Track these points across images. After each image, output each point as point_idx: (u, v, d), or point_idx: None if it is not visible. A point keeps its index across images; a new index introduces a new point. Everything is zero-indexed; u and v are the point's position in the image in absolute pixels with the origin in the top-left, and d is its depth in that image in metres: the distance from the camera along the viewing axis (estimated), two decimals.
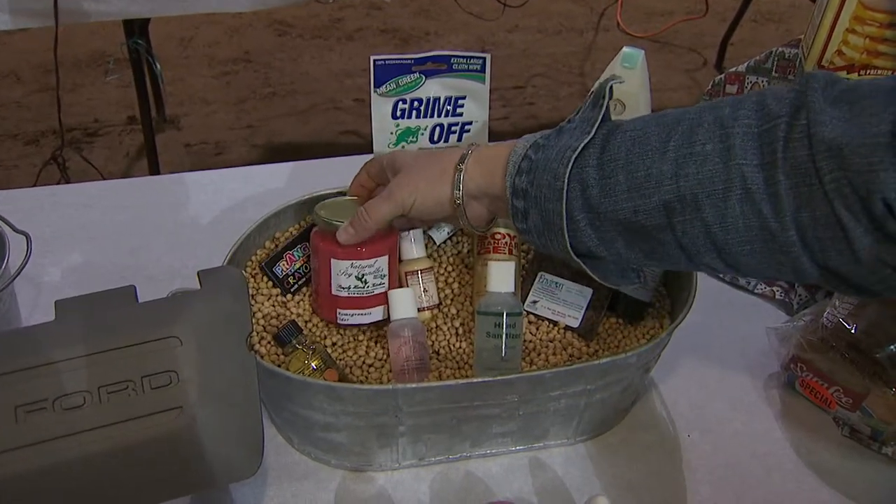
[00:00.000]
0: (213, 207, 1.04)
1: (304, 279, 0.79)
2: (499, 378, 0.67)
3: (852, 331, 0.78)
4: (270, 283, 0.79)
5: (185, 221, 1.02)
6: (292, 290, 0.78)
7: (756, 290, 0.96)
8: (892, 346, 0.76)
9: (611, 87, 0.63)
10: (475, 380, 0.67)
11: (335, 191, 0.82)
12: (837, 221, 0.51)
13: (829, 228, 0.52)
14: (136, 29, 1.88)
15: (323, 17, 2.99)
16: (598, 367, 0.69)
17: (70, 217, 1.00)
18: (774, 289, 0.95)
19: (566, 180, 0.59)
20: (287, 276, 0.78)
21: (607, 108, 0.62)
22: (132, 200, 1.04)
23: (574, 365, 0.69)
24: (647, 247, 0.60)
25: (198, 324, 0.65)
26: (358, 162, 0.78)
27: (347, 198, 0.80)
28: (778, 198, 0.53)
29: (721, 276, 0.98)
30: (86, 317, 0.63)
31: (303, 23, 2.96)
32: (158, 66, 1.90)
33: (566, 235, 0.60)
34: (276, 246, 0.81)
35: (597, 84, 0.65)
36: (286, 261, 0.77)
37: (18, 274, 0.75)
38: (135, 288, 0.66)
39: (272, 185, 1.09)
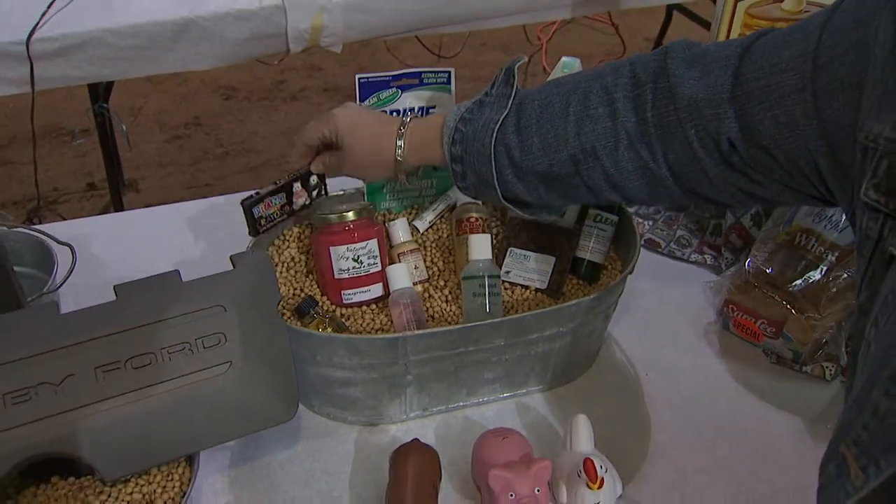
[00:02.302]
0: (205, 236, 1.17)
1: (273, 224, 0.90)
2: (488, 321, 0.82)
3: (769, 271, 0.95)
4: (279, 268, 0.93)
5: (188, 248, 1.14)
6: (262, 230, 0.90)
7: (691, 259, 1.12)
8: (800, 281, 0.93)
9: (517, 66, 0.80)
10: (469, 324, 0.81)
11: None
12: (696, 158, 0.69)
13: (689, 164, 0.70)
14: (101, 94, 2.00)
15: (266, 81, 3.15)
16: (567, 310, 0.84)
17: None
18: (706, 256, 1.12)
19: (492, 147, 0.76)
20: (261, 217, 0.89)
21: (516, 84, 0.79)
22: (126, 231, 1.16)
23: (548, 307, 0.84)
24: (562, 190, 0.78)
25: (236, 295, 0.78)
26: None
27: (333, 196, 0.95)
28: (652, 145, 0.71)
29: (661, 213, 1.15)
30: (143, 295, 0.76)
31: (248, 86, 3.12)
32: (125, 127, 2.02)
33: (497, 188, 0.78)
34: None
35: (507, 64, 0.82)
36: (264, 205, 0.89)
37: (65, 281, 0.87)
38: (178, 271, 0.78)
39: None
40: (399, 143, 0.83)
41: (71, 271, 0.87)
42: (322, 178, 0.93)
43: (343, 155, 0.87)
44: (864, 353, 0.55)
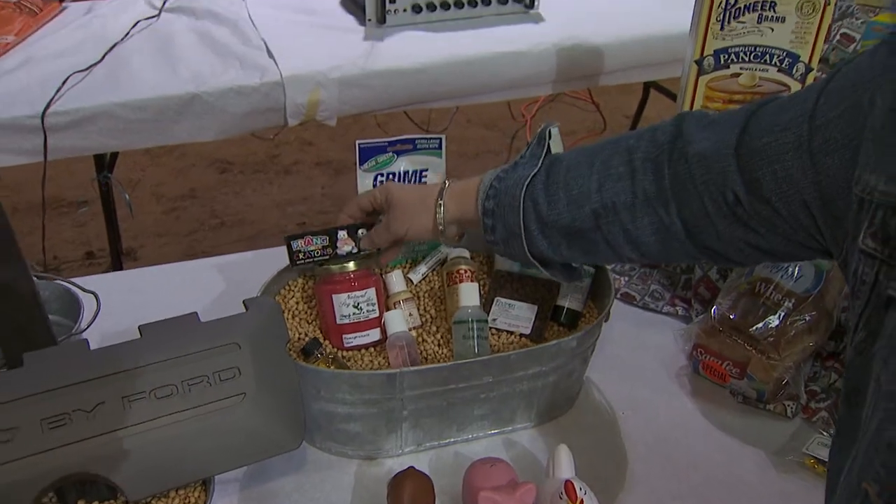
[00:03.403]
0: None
1: (311, 261, 1.00)
2: (477, 359, 0.90)
3: (732, 317, 1.04)
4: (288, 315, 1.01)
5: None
6: (297, 263, 0.99)
7: (663, 311, 1.21)
8: (760, 325, 1.02)
9: (550, 130, 0.89)
10: (460, 362, 0.89)
11: None
12: (706, 212, 0.76)
13: (701, 219, 0.77)
14: (106, 165, 2.10)
15: (261, 154, 3.27)
16: (548, 349, 0.93)
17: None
18: (677, 308, 1.21)
19: (521, 200, 0.84)
20: (299, 251, 0.98)
21: (549, 145, 0.88)
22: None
23: (531, 347, 0.92)
24: (583, 246, 0.84)
25: (250, 334, 0.86)
26: None
27: None
28: (667, 202, 0.78)
29: (636, 269, 1.24)
30: (165, 333, 0.84)
31: (242, 160, 3.24)
32: (128, 196, 2.11)
33: (524, 242, 0.85)
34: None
35: (541, 128, 0.92)
36: (304, 241, 0.98)
37: (90, 325, 0.95)
38: (197, 313, 0.87)
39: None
40: (440, 201, 0.91)
41: (96, 315, 0.95)
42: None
43: (390, 216, 0.95)
44: (873, 391, 0.60)
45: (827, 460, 0.92)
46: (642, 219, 0.80)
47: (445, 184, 0.93)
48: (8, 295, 0.82)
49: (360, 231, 1.00)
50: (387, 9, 2.13)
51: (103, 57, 1.90)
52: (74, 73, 1.81)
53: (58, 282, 0.99)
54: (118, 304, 1.05)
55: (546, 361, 0.94)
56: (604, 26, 2.19)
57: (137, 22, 2.08)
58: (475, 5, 2.22)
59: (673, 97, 3.05)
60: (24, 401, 0.76)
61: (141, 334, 0.84)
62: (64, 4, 2.21)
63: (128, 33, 2.03)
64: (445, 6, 2.19)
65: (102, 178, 2.10)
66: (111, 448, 0.77)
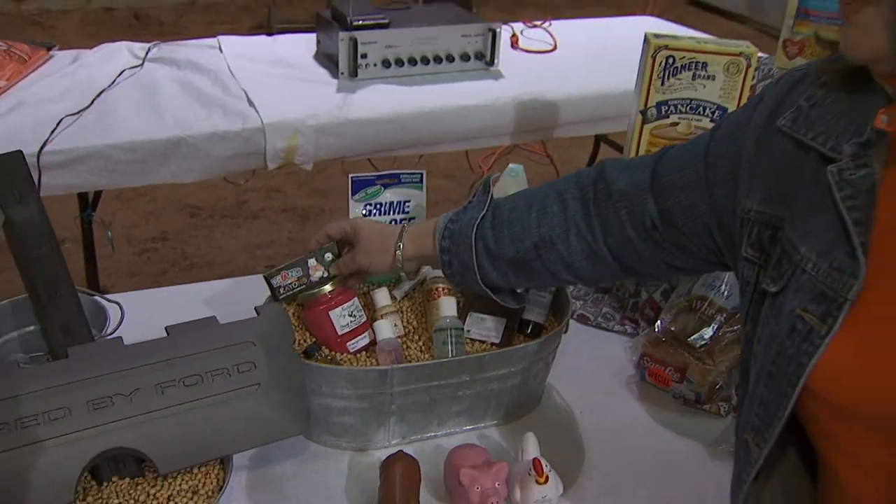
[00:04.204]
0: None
1: (291, 293, 1.12)
2: (456, 358, 1.05)
3: (673, 329, 1.20)
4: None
5: None
6: (280, 298, 1.12)
7: (615, 329, 1.37)
8: (697, 336, 1.18)
9: (490, 180, 1.07)
10: (441, 360, 1.04)
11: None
12: (629, 238, 0.93)
13: (624, 243, 0.94)
14: (89, 203, 2.22)
15: (229, 200, 3.40)
16: (517, 352, 1.08)
17: None
18: (626, 327, 1.37)
19: (473, 239, 1.00)
20: (280, 286, 1.12)
21: (491, 192, 1.04)
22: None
23: (502, 349, 1.07)
24: (527, 274, 1.01)
25: (262, 334, 1.00)
26: None
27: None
28: (594, 231, 0.95)
29: (590, 294, 1.40)
30: (190, 332, 0.97)
31: (212, 205, 3.36)
32: (110, 233, 2.22)
33: (477, 274, 1.01)
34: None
35: (483, 179, 1.08)
36: (281, 276, 1.12)
37: (116, 330, 1.07)
38: (215, 317, 1.00)
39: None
40: (399, 243, 1.06)
41: (120, 323, 1.08)
42: (336, 256, 1.14)
43: (356, 251, 1.09)
44: (752, 364, 0.78)
45: None
46: (575, 247, 0.96)
47: (404, 226, 1.08)
48: (55, 297, 0.94)
49: (326, 255, 1.13)
50: (358, 63, 2.30)
51: (92, 102, 2.03)
52: (66, 116, 1.94)
53: (85, 294, 1.11)
54: (138, 315, 1.17)
55: (514, 363, 1.09)
56: (558, 83, 2.39)
57: (123, 71, 2.22)
58: (440, 62, 2.40)
59: (621, 149, 3.28)
60: (73, 385, 0.88)
61: (168, 333, 0.97)
62: (51, 53, 2.34)
63: (114, 81, 2.16)
64: (413, 62, 2.37)
65: (86, 217, 2.21)
66: (146, 427, 0.89)
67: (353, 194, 1.21)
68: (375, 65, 2.33)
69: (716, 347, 1.18)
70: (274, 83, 2.26)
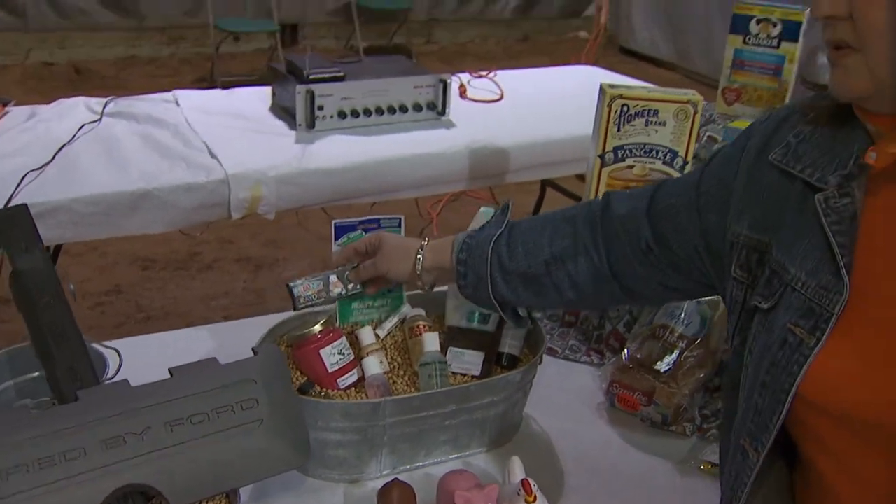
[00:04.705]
0: None
1: (310, 304, 1.20)
2: (443, 389, 1.11)
3: (639, 356, 1.29)
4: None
5: None
6: (299, 307, 1.19)
7: (581, 360, 1.46)
8: (659, 362, 1.27)
9: (509, 204, 1.16)
10: (429, 391, 1.10)
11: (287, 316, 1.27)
12: (628, 258, 1.02)
13: (625, 263, 1.03)
14: (51, 255, 2.23)
15: (182, 252, 3.41)
16: (497, 382, 1.15)
17: None
18: (592, 357, 1.46)
19: (489, 253, 1.08)
20: (301, 296, 1.19)
21: (510, 214, 1.13)
22: None
23: (485, 380, 1.14)
24: (535, 289, 1.09)
25: (262, 373, 1.05)
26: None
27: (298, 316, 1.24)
28: (599, 252, 1.04)
29: (556, 329, 1.48)
30: (193, 373, 1.02)
31: (165, 258, 3.37)
32: (72, 286, 2.22)
33: (490, 287, 1.09)
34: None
35: (503, 202, 1.17)
36: (303, 287, 1.19)
37: (115, 374, 1.11)
38: (216, 358, 1.05)
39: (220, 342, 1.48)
40: (420, 253, 1.15)
41: (120, 367, 1.11)
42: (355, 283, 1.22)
43: (377, 258, 1.17)
44: (743, 375, 0.85)
45: (717, 463, 1.17)
46: (582, 267, 1.05)
47: (426, 240, 1.17)
48: (61, 341, 0.98)
49: (346, 274, 1.21)
50: (315, 115, 2.38)
51: (54, 157, 2.06)
52: (29, 171, 1.97)
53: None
54: (134, 360, 1.21)
55: (497, 392, 1.16)
56: (506, 131, 2.50)
57: (83, 125, 2.26)
58: (394, 112, 2.50)
59: (567, 193, 3.42)
60: (86, 425, 0.92)
61: (171, 375, 1.01)
62: (7, 109, 2.36)
63: (74, 135, 2.19)
64: (367, 113, 2.46)
65: None
66: (158, 464, 0.93)
67: (335, 239, 1.27)
68: (332, 116, 2.41)
69: (679, 372, 1.27)
70: (233, 135, 2.33)
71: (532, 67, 3.34)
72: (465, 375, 1.24)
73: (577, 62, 4.56)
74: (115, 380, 1.07)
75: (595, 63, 4.50)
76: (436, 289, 1.22)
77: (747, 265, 0.87)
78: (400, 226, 1.31)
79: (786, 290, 0.80)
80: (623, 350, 1.34)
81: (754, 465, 0.81)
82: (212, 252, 3.46)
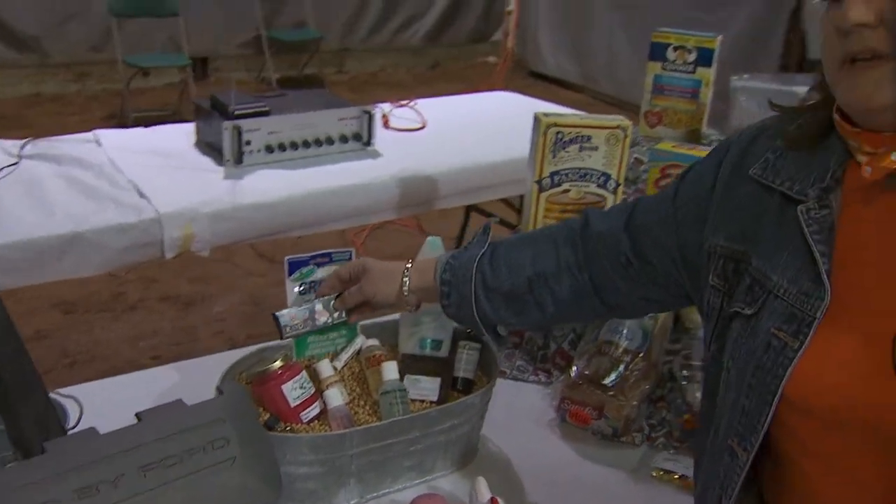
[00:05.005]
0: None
1: (296, 333, 1.23)
2: (407, 416, 1.14)
3: (587, 373, 1.35)
4: None
5: None
6: (286, 336, 1.22)
7: (529, 380, 1.51)
8: (607, 377, 1.33)
9: (489, 225, 1.20)
10: (394, 419, 1.13)
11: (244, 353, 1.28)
12: (608, 274, 1.07)
13: (605, 279, 1.08)
14: None
15: (104, 294, 3.34)
16: (458, 406, 1.19)
17: None
18: (539, 376, 1.51)
19: (473, 272, 1.12)
20: (287, 325, 1.21)
21: (490, 234, 1.17)
22: None
23: (447, 404, 1.18)
24: (517, 307, 1.13)
25: (230, 410, 1.05)
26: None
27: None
28: (581, 268, 1.09)
29: (502, 351, 1.52)
30: (161, 415, 1.02)
31: (87, 300, 3.28)
32: None
33: (473, 305, 1.12)
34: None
35: (485, 223, 1.21)
36: (290, 316, 1.21)
37: (77, 423, 1.10)
38: (182, 399, 1.05)
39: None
40: (405, 275, 1.18)
41: (81, 416, 1.10)
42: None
43: (362, 282, 1.20)
44: (725, 378, 0.89)
45: (668, 470, 1.24)
46: (564, 283, 1.10)
47: (410, 262, 1.20)
48: (25, 393, 0.97)
49: (331, 303, 1.24)
50: (242, 150, 2.38)
51: None
52: None
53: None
54: (92, 407, 1.19)
55: (458, 416, 1.19)
56: (431, 159, 2.56)
57: (1, 168, 2.21)
58: (320, 145, 2.52)
59: (491, 216, 3.50)
60: (57, 477, 0.91)
61: (139, 419, 1.01)
62: None
63: None
64: (294, 146, 2.47)
65: None
66: None
67: (289, 274, 1.29)
68: (259, 151, 2.42)
69: (626, 385, 1.33)
70: (160, 174, 2.31)
71: (445, 94, 3.40)
72: (423, 401, 1.28)
73: (489, 86, 4.68)
74: (79, 428, 1.06)
75: (505, 86, 4.63)
76: (387, 318, 1.26)
77: (724, 274, 0.92)
78: (351, 258, 1.34)
79: (768, 297, 0.85)
80: (571, 367, 1.39)
81: (744, 464, 0.85)
82: (136, 292, 3.39)
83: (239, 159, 2.38)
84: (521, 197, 3.60)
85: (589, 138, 1.45)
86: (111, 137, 2.56)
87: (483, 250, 1.15)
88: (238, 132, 2.35)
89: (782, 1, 5.04)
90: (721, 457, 0.89)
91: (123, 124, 4.79)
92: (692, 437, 1.33)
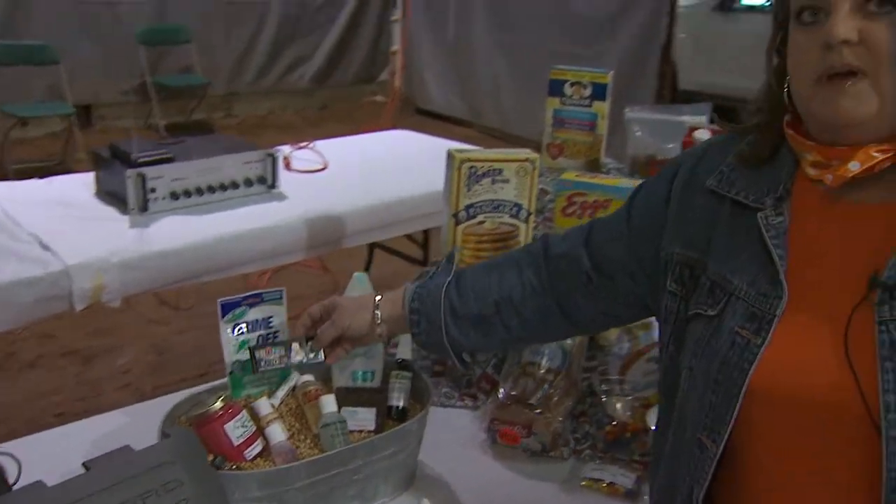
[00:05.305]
0: None
1: (270, 368, 1.26)
2: (349, 446, 1.18)
3: (514, 393, 1.42)
4: None
5: None
6: (259, 370, 1.25)
7: (457, 405, 1.56)
8: (533, 396, 1.41)
9: (454, 252, 1.26)
10: (339, 449, 1.17)
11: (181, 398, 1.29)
12: (570, 293, 1.14)
13: (568, 297, 1.14)
14: None
15: None
16: (396, 433, 1.24)
17: None
18: (466, 401, 1.57)
19: (442, 298, 1.17)
20: (261, 360, 1.24)
21: (456, 262, 1.23)
22: None
23: (386, 431, 1.22)
24: (485, 330, 1.18)
25: (179, 452, 1.07)
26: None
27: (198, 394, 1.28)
28: (545, 290, 1.15)
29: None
30: (110, 463, 1.03)
31: None
32: None
33: (443, 331, 1.17)
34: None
35: (449, 252, 1.26)
36: (265, 351, 1.25)
37: (16, 482, 1.08)
38: (129, 445, 1.06)
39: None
40: (377, 308, 1.22)
41: (20, 471, 1.09)
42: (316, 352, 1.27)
43: (336, 316, 1.22)
44: (687, 377, 0.97)
45: (597, 479, 1.32)
46: (529, 304, 1.16)
47: (379, 295, 1.25)
48: None
49: (309, 342, 1.26)
50: (148, 198, 2.37)
51: None
52: None
53: None
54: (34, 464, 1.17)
55: (398, 442, 1.24)
56: (335, 199, 2.61)
57: None
58: (225, 189, 2.54)
59: (395, 252, 3.56)
60: None
61: (87, 468, 1.01)
62: None
63: None
64: (200, 192, 2.48)
65: None
66: None
67: (222, 316, 1.31)
68: (164, 198, 2.41)
69: (551, 402, 1.41)
70: (63, 225, 2.27)
71: (335, 135, 3.45)
72: (361, 431, 1.31)
73: (379, 125, 4.76)
74: (22, 484, 1.05)
75: (394, 124, 4.73)
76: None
77: (681, 279, 1.00)
78: (281, 298, 1.37)
79: (730, 299, 0.93)
80: (497, 390, 1.46)
81: (713, 455, 0.92)
82: (31, 349, 3.27)
83: (144, 207, 2.37)
84: (425, 232, 3.69)
85: (500, 171, 1.54)
86: (5, 190, 2.51)
87: (450, 278, 1.21)
88: (142, 180, 2.34)
89: (653, 36, 5.35)
90: (690, 451, 0.95)
91: (4, 177, 4.62)
92: (615, 447, 1.42)
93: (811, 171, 0.92)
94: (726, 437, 0.91)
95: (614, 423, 1.42)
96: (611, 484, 1.33)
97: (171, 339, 3.41)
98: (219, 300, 1.31)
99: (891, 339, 0.83)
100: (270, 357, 1.25)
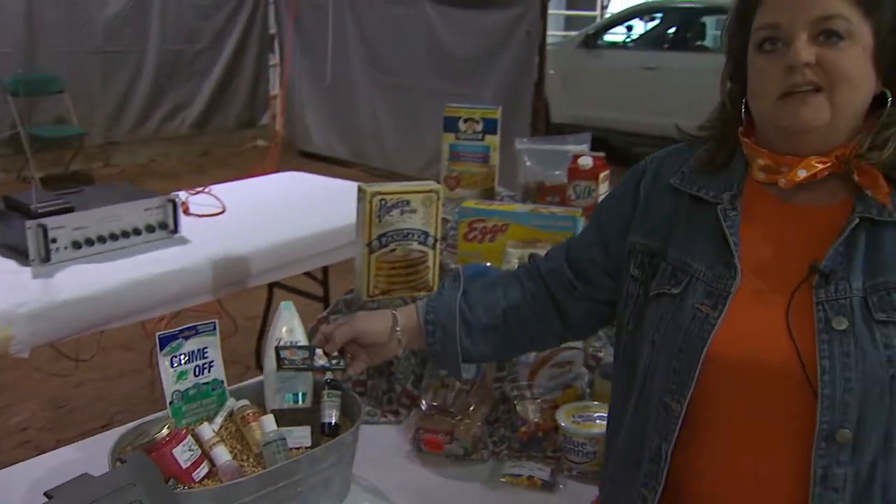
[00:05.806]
0: None
1: (293, 367, 1.34)
2: (294, 458, 1.28)
3: (435, 403, 1.55)
4: None
5: None
6: (282, 368, 1.33)
7: (381, 422, 1.68)
8: (454, 405, 1.54)
9: (461, 269, 1.38)
10: (283, 462, 1.27)
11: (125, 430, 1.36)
12: (560, 301, 1.28)
13: (560, 306, 1.28)
14: None
15: None
16: (335, 445, 1.34)
17: None
18: (388, 417, 1.69)
19: (457, 310, 1.29)
20: (285, 358, 1.32)
21: (462, 278, 1.35)
22: None
23: (326, 444, 1.33)
24: (493, 340, 1.31)
25: (138, 475, 1.15)
26: None
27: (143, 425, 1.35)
28: (544, 301, 1.29)
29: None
30: (72, 490, 1.09)
31: None
32: None
33: (457, 342, 1.29)
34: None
35: (454, 272, 1.38)
36: (290, 351, 1.33)
37: None
38: (88, 472, 1.13)
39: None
40: (395, 316, 1.32)
41: None
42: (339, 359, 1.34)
43: (354, 321, 1.32)
44: (649, 350, 1.12)
45: (516, 474, 1.47)
46: (531, 310, 1.30)
47: (394, 310, 1.35)
48: None
49: (335, 353, 1.34)
50: (49, 248, 2.38)
51: None
52: None
53: None
54: None
55: (337, 453, 1.35)
56: (236, 241, 2.67)
57: None
58: (128, 236, 2.56)
59: (296, 291, 3.63)
60: None
61: (50, 497, 1.08)
62: None
63: None
64: (102, 240, 2.50)
65: None
66: None
67: (160, 349, 1.39)
68: (66, 248, 2.42)
69: (469, 410, 1.54)
70: None
71: (218, 180, 3.46)
72: (298, 448, 1.41)
73: (262, 169, 4.82)
74: None
75: (279, 167, 4.80)
76: (253, 381, 1.38)
77: (642, 265, 1.17)
78: (215, 329, 1.46)
79: (691, 280, 1.10)
80: (419, 402, 1.59)
81: (678, 415, 1.07)
82: None
83: (46, 258, 2.37)
84: (324, 269, 3.76)
85: (408, 202, 1.68)
86: None
87: (460, 292, 1.33)
88: (44, 231, 2.35)
89: (525, 74, 5.66)
90: (657, 413, 1.10)
91: None
92: (529, 446, 1.57)
93: (760, 176, 1.11)
94: (689, 398, 1.06)
95: (527, 424, 1.57)
96: (529, 477, 1.47)
97: (69, 391, 3.35)
98: (157, 334, 1.39)
99: (825, 316, 1.01)
100: (294, 357, 1.34)
